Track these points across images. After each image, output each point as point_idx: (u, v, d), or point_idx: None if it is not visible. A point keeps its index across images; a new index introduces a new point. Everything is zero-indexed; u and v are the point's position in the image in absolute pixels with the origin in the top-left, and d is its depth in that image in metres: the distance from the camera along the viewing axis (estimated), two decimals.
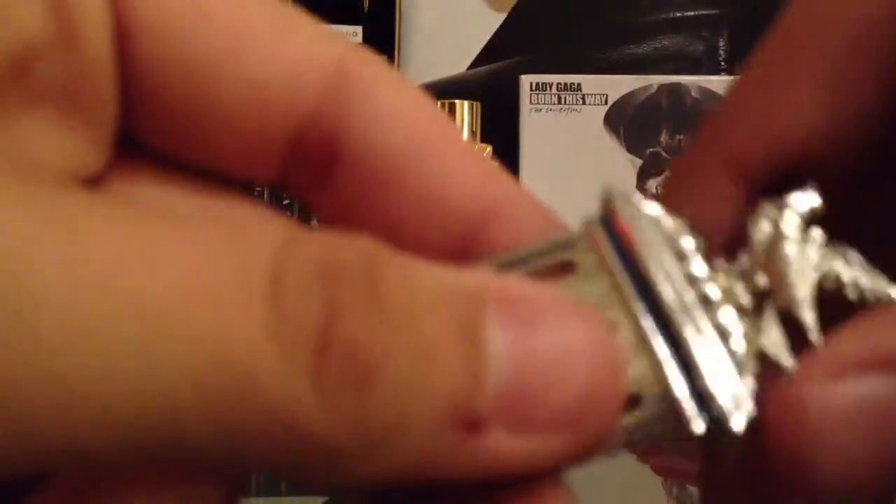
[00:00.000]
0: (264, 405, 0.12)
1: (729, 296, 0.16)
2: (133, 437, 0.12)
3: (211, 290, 0.12)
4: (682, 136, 0.75)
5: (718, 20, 0.84)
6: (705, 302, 0.16)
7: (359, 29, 1.11)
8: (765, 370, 0.16)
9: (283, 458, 0.12)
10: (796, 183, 0.17)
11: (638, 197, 0.17)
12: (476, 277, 0.14)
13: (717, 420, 0.15)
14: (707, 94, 0.75)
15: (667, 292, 0.16)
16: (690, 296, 0.16)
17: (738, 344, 0.16)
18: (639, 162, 0.75)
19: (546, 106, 0.75)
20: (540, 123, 0.75)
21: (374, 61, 0.17)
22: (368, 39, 1.11)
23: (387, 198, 0.16)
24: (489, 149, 0.79)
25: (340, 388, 0.12)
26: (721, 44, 0.84)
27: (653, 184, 0.74)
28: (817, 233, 0.17)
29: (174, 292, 0.12)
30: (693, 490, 0.45)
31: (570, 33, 0.88)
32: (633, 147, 0.75)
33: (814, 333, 0.16)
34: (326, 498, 0.41)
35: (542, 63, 0.81)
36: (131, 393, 0.12)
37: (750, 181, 0.20)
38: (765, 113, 0.20)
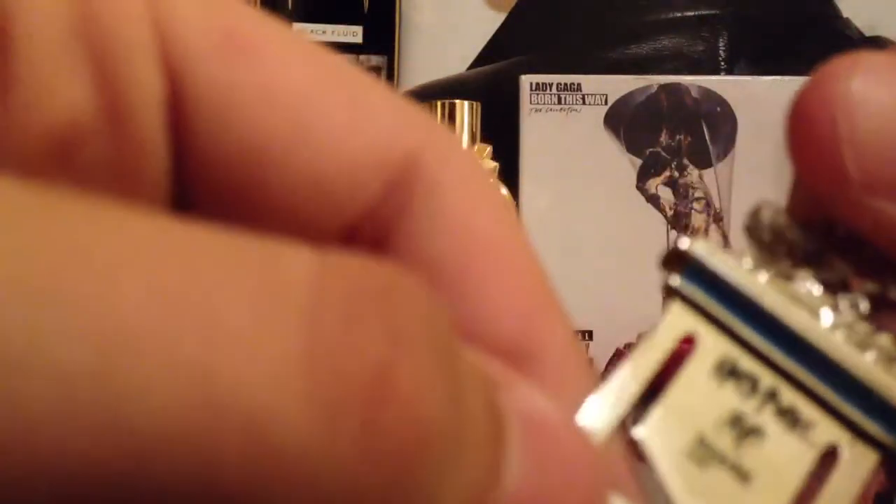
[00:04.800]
0: (280, 464, 0.10)
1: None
2: (89, 479, 0.09)
3: (208, 303, 0.10)
4: (681, 136, 0.75)
5: (718, 20, 0.84)
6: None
7: (359, 29, 1.11)
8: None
9: None
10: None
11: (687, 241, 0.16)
12: (499, 368, 0.13)
13: None
14: (707, 94, 0.75)
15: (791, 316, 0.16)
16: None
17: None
18: (639, 162, 0.75)
19: (546, 106, 0.75)
20: (540, 123, 0.75)
21: (451, 152, 0.16)
22: (368, 39, 1.11)
23: None
24: (489, 149, 0.79)
25: (385, 457, 0.10)
26: (721, 44, 0.84)
27: (652, 184, 0.75)
28: None
29: (153, 304, 0.10)
30: None
31: (570, 33, 0.88)
32: (633, 147, 0.75)
33: None
34: None
35: (542, 63, 0.81)
36: (89, 428, 0.09)
37: None
38: None
